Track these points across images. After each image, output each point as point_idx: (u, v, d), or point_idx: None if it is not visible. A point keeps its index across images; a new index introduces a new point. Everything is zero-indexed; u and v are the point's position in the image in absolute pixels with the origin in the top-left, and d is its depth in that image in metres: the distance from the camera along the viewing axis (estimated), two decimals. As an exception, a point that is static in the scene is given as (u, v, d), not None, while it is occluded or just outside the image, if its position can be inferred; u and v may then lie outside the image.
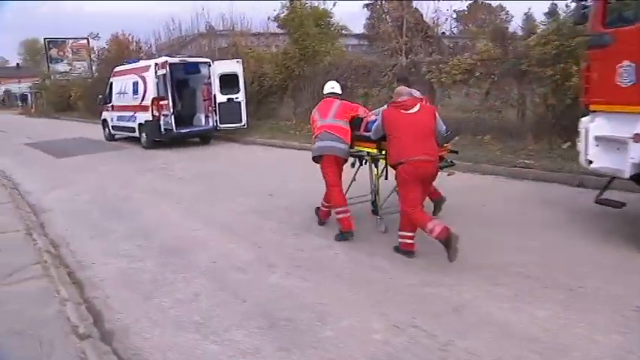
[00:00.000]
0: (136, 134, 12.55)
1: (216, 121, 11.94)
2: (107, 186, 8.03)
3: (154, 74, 11.52)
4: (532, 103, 8.95)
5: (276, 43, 17.25)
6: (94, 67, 31.21)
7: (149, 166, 9.72)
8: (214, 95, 11.83)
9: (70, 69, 31.29)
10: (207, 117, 12.47)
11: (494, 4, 27.02)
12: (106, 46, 24.13)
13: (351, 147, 4.75)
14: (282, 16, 13.69)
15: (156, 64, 11.60)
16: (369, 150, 4.70)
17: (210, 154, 10.88)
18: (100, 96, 14.44)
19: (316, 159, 4.72)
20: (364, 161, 4.94)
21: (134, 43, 23.11)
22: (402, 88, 4.39)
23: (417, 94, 4.68)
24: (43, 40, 34.55)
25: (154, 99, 11.52)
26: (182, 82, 12.20)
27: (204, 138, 12.71)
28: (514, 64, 8.86)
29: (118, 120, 13.49)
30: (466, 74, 9.54)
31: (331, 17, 13.03)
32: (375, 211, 5.09)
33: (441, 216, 4.94)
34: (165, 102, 11.23)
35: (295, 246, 4.74)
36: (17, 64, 69.59)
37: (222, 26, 20.84)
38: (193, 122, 12.93)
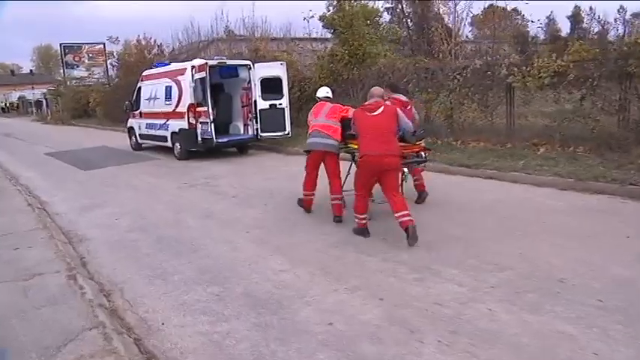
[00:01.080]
0: (168, 144, 11.60)
1: (257, 129, 10.86)
2: (149, 207, 6.96)
3: (190, 78, 10.54)
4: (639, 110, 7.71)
5: (297, 50, 16.46)
6: (112, 72, 30.83)
7: (190, 181, 8.68)
8: (254, 101, 10.87)
9: (89, 74, 30.65)
10: (246, 125, 11.50)
11: (512, 5, 25.45)
12: (126, 50, 23.32)
13: (345, 144, 5.54)
14: (328, 14, 12.58)
15: (193, 66, 10.57)
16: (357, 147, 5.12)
17: (254, 167, 9.79)
18: (127, 102, 13.49)
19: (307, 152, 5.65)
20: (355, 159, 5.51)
21: (156, 47, 22.44)
22: (375, 89, 5.07)
23: (403, 98, 5.85)
24: (58, 45, 34.05)
25: (190, 105, 10.54)
26: (217, 87, 11.20)
27: (242, 148, 11.69)
28: (619, 66, 7.62)
29: (147, 128, 12.57)
30: (555, 77, 8.31)
31: (380, 16, 11.87)
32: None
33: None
34: (204, 109, 10.22)
35: (429, 297, 3.62)
36: (31, 70, 70.15)
37: (244, 30, 20.46)
38: (229, 130, 11.91)
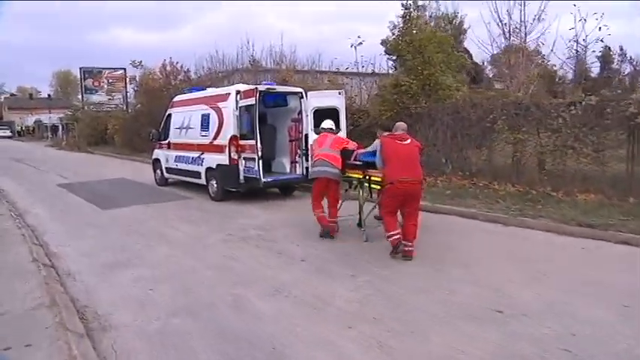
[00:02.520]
0: (201, 181, 10.22)
1: (307, 167, 9.32)
2: (193, 271, 5.34)
3: (234, 105, 9.20)
4: None
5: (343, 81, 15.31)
6: (132, 98, 30.03)
7: (237, 232, 7.11)
8: (305, 135, 9.51)
9: (109, 99, 29.89)
10: (293, 162, 10.09)
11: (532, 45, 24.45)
12: (150, 75, 22.29)
13: (343, 173, 6.38)
14: (391, 39, 11.22)
15: (238, 91, 9.25)
16: (357, 176, 6.35)
17: (311, 214, 8.03)
18: (153, 131, 12.34)
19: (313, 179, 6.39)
20: (353, 186, 6.56)
21: (182, 73, 21.34)
22: (400, 124, 5.72)
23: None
24: (78, 70, 33.51)
25: (233, 137, 9.16)
26: (259, 117, 9.63)
27: (286, 189, 10.21)
28: None
29: (176, 161, 11.23)
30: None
31: (453, 45, 10.42)
32: (360, 224, 6.54)
33: None
34: (250, 142, 8.88)
35: None
36: (49, 94, 70.66)
37: (270, 60, 19.74)
38: (272, 168, 10.46)
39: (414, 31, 10.39)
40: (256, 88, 8.67)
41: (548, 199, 8.07)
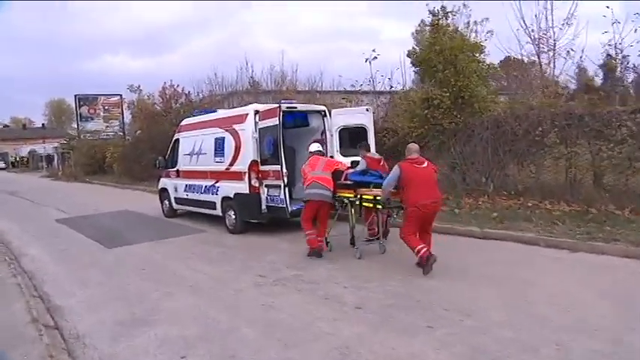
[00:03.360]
0: (217, 212, 9.48)
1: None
2: (230, 329, 4.47)
3: (252, 127, 8.50)
4: None
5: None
6: (128, 125, 29.42)
7: (269, 272, 6.26)
8: (330, 157, 8.72)
9: (107, 126, 29.24)
10: None
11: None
12: (149, 99, 21.96)
13: (334, 193, 6.73)
14: (418, 50, 10.58)
15: (256, 111, 8.56)
16: (348, 196, 6.65)
17: (346, 244, 7.21)
18: (159, 158, 11.70)
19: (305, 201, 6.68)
20: (344, 205, 6.80)
21: (183, 96, 20.79)
22: (414, 146, 6.03)
23: (376, 156, 7.43)
24: (72, 98, 32.81)
25: (253, 163, 8.46)
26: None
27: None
28: None
29: (186, 191, 10.53)
30: None
31: (483, 52, 9.79)
32: (352, 242, 6.89)
33: None
34: (273, 167, 8.13)
35: None
36: (43, 124, 70.13)
37: (271, 81, 19.66)
38: (292, 194, 9.60)
39: (444, 40, 9.70)
40: (279, 106, 7.93)
41: (614, 219, 7.28)
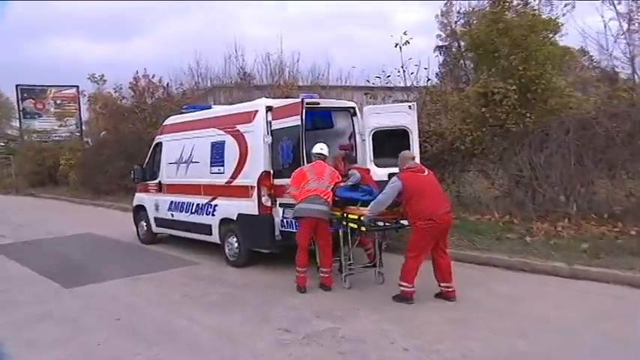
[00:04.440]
0: (212, 238, 9.26)
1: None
2: None
3: (263, 128, 8.22)
4: None
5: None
6: (88, 123, 29.19)
7: (294, 324, 5.85)
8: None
9: (60, 125, 28.93)
10: None
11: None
12: (116, 92, 21.72)
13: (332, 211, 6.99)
14: (472, 30, 10.27)
15: (269, 108, 8.27)
16: (336, 214, 6.97)
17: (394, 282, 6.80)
18: (136, 167, 11.55)
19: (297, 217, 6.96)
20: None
21: (161, 88, 20.54)
22: (409, 153, 6.73)
23: (363, 167, 8.00)
24: (13, 89, 31.78)
25: (263, 175, 8.16)
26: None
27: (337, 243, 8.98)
28: None
29: (172, 209, 10.33)
30: None
31: (560, 30, 9.57)
32: (340, 270, 7.19)
33: None
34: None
35: None
36: (-27, 123, 69.71)
37: (266, 74, 20.01)
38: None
39: (509, 17, 9.50)
40: (302, 101, 7.63)
41: None
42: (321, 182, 6.87)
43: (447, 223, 6.17)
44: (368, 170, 7.80)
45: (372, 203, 6.41)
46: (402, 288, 6.18)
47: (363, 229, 6.66)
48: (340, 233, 7.06)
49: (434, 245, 6.19)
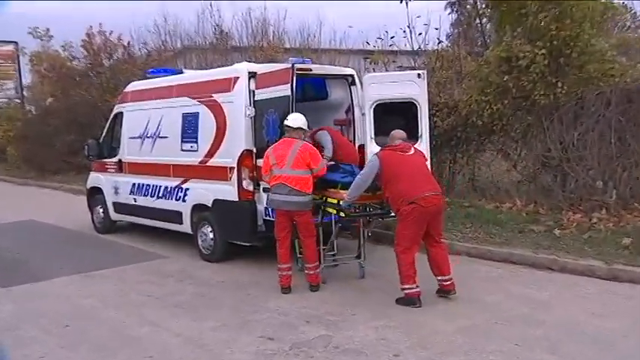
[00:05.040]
0: (183, 227, 9.43)
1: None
2: None
3: (245, 97, 8.28)
4: None
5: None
6: (30, 87, 29.21)
7: (278, 330, 5.94)
8: (360, 147, 8.89)
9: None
10: None
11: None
12: (65, 51, 21.69)
13: (320, 196, 7.21)
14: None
15: (251, 74, 8.33)
16: (315, 198, 7.13)
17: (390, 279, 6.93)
18: (90, 141, 11.68)
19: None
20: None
21: (121, 47, 20.58)
22: (398, 132, 6.78)
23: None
24: None
25: (245, 154, 8.27)
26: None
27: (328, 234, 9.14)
28: None
29: (134, 193, 10.50)
30: None
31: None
32: (319, 260, 7.28)
33: None
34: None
35: None
36: None
37: (247, 34, 19.92)
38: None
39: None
40: (292, 66, 7.68)
41: None
42: (283, 168, 6.87)
43: (434, 207, 6.26)
44: (351, 145, 8.22)
45: (351, 186, 6.65)
46: (404, 291, 6.28)
47: (343, 214, 6.94)
48: (319, 219, 7.30)
49: (425, 235, 6.33)
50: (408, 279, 6.23)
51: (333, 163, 7.63)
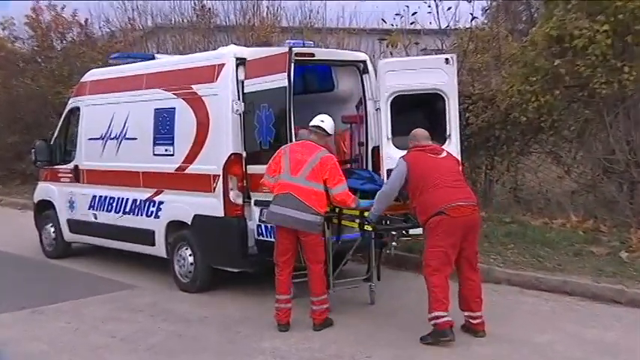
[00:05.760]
0: (156, 250, 9.52)
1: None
2: None
3: (232, 89, 8.41)
4: None
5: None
6: None
7: None
8: (375, 149, 8.99)
9: None
10: None
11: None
12: (5, 30, 21.69)
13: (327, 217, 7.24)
14: None
15: (239, 61, 8.45)
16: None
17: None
18: (38, 143, 11.76)
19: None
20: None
21: (77, 26, 20.71)
22: (421, 132, 6.99)
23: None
24: None
25: (233, 158, 8.37)
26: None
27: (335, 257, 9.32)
28: None
29: (94, 207, 10.61)
30: None
31: None
32: (327, 284, 7.33)
33: None
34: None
35: None
36: None
37: (235, 11, 19.95)
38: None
39: None
40: (290, 50, 7.77)
41: None
42: (296, 176, 6.87)
43: (468, 219, 6.33)
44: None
45: (377, 195, 6.81)
46: (433, 321, 6.27)
47: (368, 228, 7.01)
48: (327, 234, 7.33)
49: (457, 256, 6.39)
50: (438, 305, 6.23)
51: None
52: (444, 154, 6.73)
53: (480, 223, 6.76)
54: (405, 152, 8.08)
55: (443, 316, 6.20)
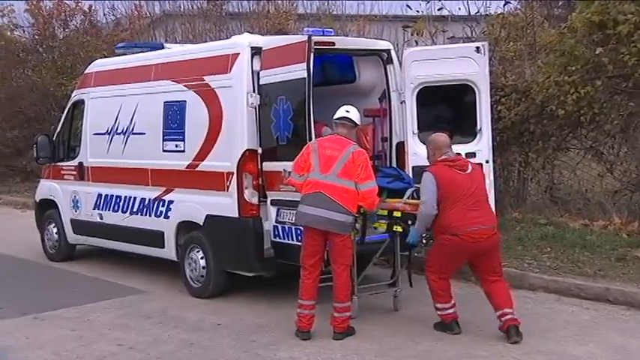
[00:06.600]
0: (166, 252, 9.52)
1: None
2: None
3: (247, 82, 8.43)
4: None
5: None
6: None
7: None
8: (400, 144, 9.01)
9: None
10: None
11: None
12: (4, 18, 21.98)
13: (358, 219, 7.23)
14: None
15: (255, 50, 8.45)
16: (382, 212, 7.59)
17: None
18: (40, 138, 11.78)
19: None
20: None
21: (80, 14, 20.81)
22: (443, 138, 7.06)
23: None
24: None
25: (247, 156, 8.35)
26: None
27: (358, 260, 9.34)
28: None
29: (100, 207, 10.65)
30: None
31: None
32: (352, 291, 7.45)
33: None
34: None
35: None
36: None
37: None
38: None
39: None
40: (309, 39, 7.76)
41: None
42: (328, 174, 6.88)
43: (482, 244, 6.57)
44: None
45: (418, 216, 6.91)
46: (438, 312, 6.85)
47: (398, 229, 7.26)
48: (352, 237, 7.26)
49: (478, 272, 6.92)
50: (438, 297, 6.74)
51: None
52: (470, 169, 6.80)
53: (497, 244, 6.85)
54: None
55: (445, 309, 6.76)
